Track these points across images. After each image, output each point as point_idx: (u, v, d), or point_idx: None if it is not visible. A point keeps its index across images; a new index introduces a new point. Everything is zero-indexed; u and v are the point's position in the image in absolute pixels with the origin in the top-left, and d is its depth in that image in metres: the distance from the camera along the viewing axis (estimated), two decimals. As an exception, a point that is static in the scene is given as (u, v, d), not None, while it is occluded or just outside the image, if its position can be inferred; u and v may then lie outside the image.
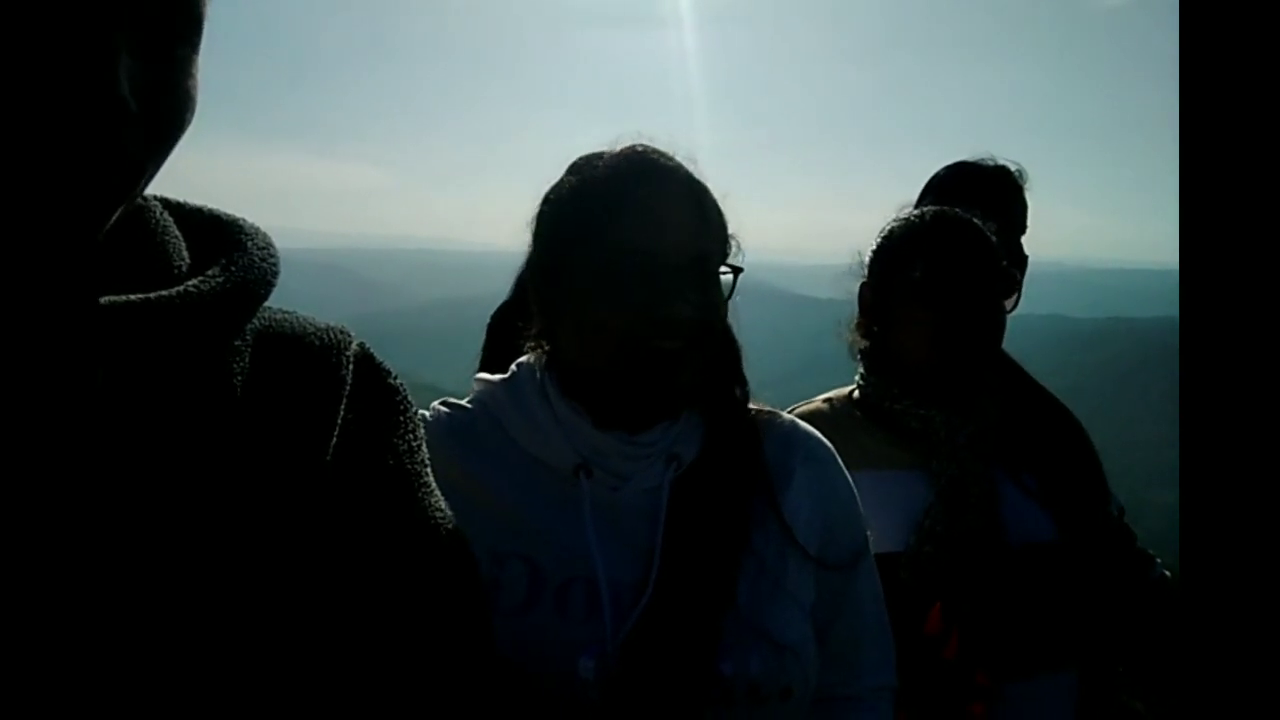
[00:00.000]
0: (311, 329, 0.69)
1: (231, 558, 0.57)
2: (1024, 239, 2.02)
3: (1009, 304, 1.54)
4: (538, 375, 1.11)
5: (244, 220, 0.68)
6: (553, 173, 1.10)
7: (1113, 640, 1.58)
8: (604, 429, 1.06)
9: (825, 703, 1.13)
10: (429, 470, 0.73)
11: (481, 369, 1.20)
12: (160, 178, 0.58)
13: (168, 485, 0.56)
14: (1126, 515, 1.71)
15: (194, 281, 0.58)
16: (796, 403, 1.60)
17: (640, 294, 0.99)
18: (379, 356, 0.73)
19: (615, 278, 1.00)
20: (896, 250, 1.52)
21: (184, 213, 0.67)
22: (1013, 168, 2.03)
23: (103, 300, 0.53)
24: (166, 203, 0.66)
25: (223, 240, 0.65)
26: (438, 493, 0.74)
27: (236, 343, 0.63)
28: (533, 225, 1.10)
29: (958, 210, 1.52)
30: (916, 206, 1.69)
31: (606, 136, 1.09)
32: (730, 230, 1.09)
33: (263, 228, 0.68)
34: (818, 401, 1.61)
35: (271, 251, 0.65)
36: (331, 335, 0.69)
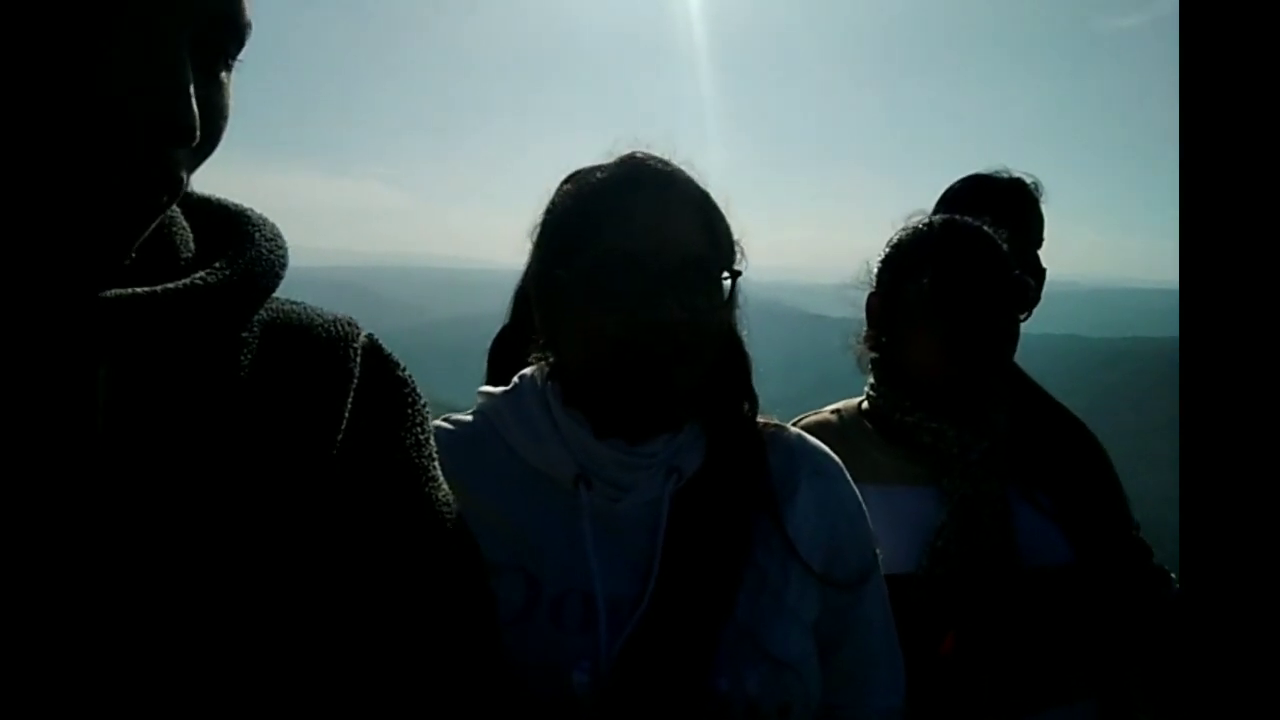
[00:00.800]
0: (319, 320, 0.68)
1: (237, 549, 0.57)
2: (1041, 254, 1.99)
3: (1024, 313, 1.50)
4: (539, 385, 1.11)
5: (252, 211, 0.66)
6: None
7: (1131, 665, 1.53)
8: (603, 438, 1.05)
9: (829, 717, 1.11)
10: (436, 463, 0.73)
11: None
12: None
13: (175, 478, 0.56)
14: (1143, 533, 1.67)
15: (200, 273, 0.57)
16: (801, 415, 1.58)
17: (628, 297, 0.99)
18: (387, 348, 0.72)
19: (605, 282, 1.00)
20: (905, 259, 1.49)
21: (191, 203, 0.65)
22: (1028, 180, 2.01)
23: (109, 293, 0.51)
24: None
25: (230, 231, 0.64)
26: (445, 485, 0.73)
27: (244, 334, 0.62)
28: (534, 236, 1.11)
29: (967, 218, 1.50)
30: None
31: (616, 152, 1.09)
32: (735, 236, 1.08)
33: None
34: (826, 413, 1.58)
35: (280, 243, 0.64)
36: (339, 327, 0.69)
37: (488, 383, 1.21)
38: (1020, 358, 1.61)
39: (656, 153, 1.08)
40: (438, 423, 1.13)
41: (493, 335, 1.28)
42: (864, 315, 1.55)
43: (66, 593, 0.51)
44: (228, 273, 0.59)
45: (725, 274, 1.05)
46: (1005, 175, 2.02)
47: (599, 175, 1.07)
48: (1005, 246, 1.47)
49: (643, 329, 0.98)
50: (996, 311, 1.42)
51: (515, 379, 1.14)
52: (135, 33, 0.48)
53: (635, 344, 0.99)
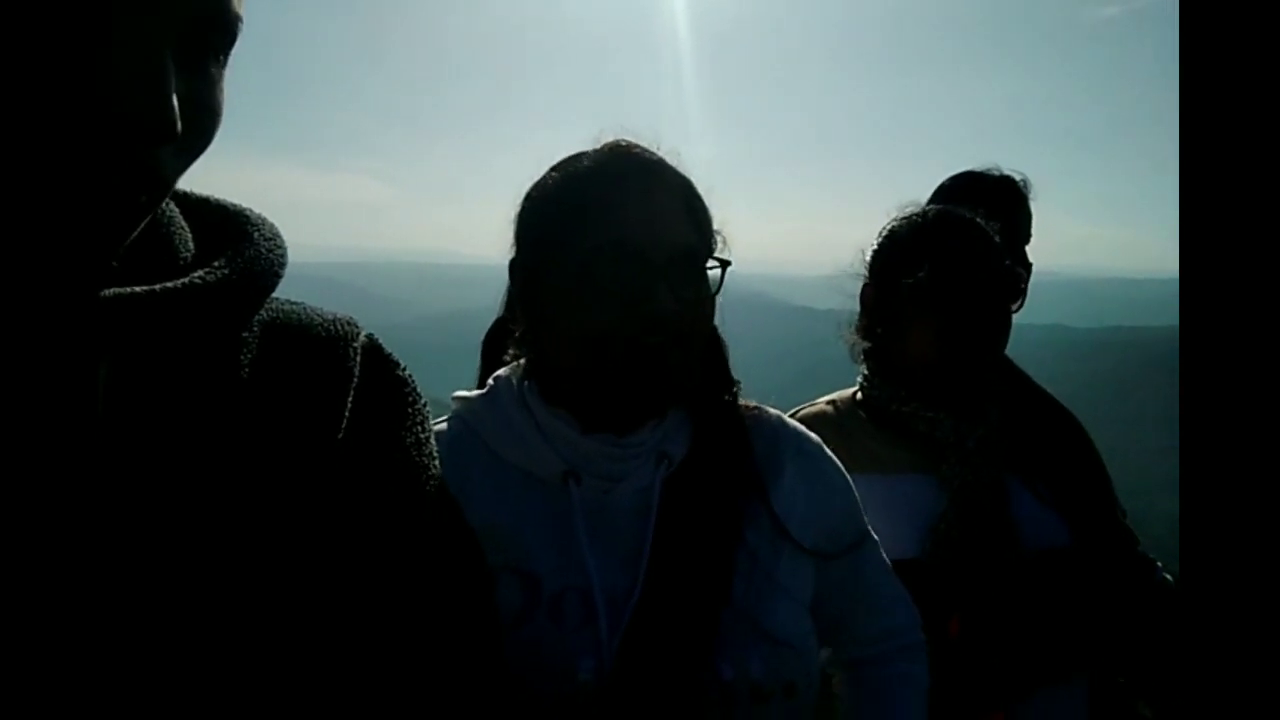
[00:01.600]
0: (318, 320, 0.68)
1: (237, 547, 0.57)
2: (1028, 248, 2.04)
3: (1014, 306, 1.52)
4: (515, 385, 1.10)
5: (250, 210, 0.67)
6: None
7: (1122, 646, 1.58)
8: (590, 433, 1.05)
9: (856, 668, 1.16)
10: (437, 462, 0.73)
11: (480, 387, 1.19)
12: None
13: (175, 476, 0.56)
14: (1130, 521, 1.72)
15: (200, 273, 0.58)
16: (797, 407, 1.59)
17: (623, 289, 0.98)
18: (387, 348, 0.72)
19: (597, 274, 0.99)
20: (901, 250, 1.50)
21: (190, 202, 0.66)
22: (1018, 178, 2.06)
23: (108, 293, 0.52)
24: (173, 192, 0.65)
25: (229, 230, 0.64)
26: (445, 485, 0.73)
27: (244, 334, 0.62)
28: (515, 225, 1.09)
29: (962, 210, 1.51)
30: None
31: (602, 140, 1.08)
32: (716, 225, 1.08)
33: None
34: (821, 404, 1.59)
35: (279, 242, 0.65)
36: (338, 326, 0.69)
37: (481, 376, 1.20)
38: (1007, 347, 1.64)
39: (642, 142, 1.07)
40: None
41: (481, 331, 1.28)
42: (854, 305, 1.56)
43: (67, 589, 0.51)
44: (227, 272, 0.59)
45: (712, 263, 1.05)
46: (996, 173, 2.07)
47: (584, 164, 1.05)
48: (997, 239, 1.48)
49: (639, 321, 0.98)
50: (992, 303, 1.44)
51: (490, 381, 1.13)
52: (115, 30, 0.48)
53: (632, 337, 0.98)
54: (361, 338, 0.70)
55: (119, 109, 0.48)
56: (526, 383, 1.09)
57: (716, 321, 1.10)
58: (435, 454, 0.73)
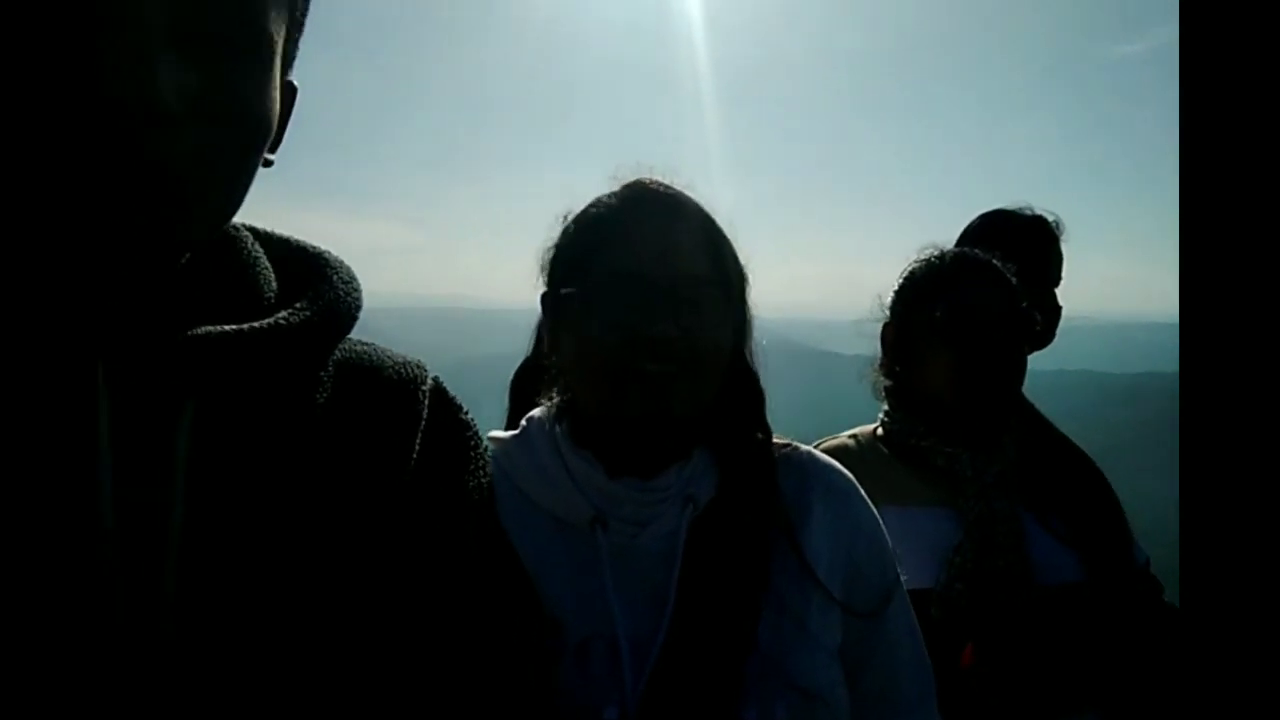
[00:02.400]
0: (390, 362, 0.70)
1: (312, 578, 0.59)
2: (1058, 291, 1.99)
3: (1033, 348, 1.57)
4: (548, 428, 1.10)
5: (329, 252, 0.69)
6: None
7: (1135, 685, 1.57)
8: (616, 477, 1.05)
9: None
10: (495, 504, 0.74)
11: (507, 429, 1.19)
12: None
13: (254, 508, 0.58)
14: (1163, 569, 1.70)
15: (284, 313, 0.60)
16: (820, 439, 1.61)
17: (621, 314, 0.98)
18: (451, 392, 0.74)
19: (604, 300, 1.00)
20: (918, 290, 1.56)
21: (272, 242, 0.68)
22: (1050, 218, 2.02)
23: (198, 331, 0.54)
24: (255, 232, 0.68)
25: (309, 271, 0.66)
26: (503, 529, 0.75)
27: (320, 373, 0.64)
28: (542, 259, 1.12)
29: (978, 251, 1.57)
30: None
31: (620, 177, 1.10)
32: (743, 260, 1.09)
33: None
34: (843, 437, 1.64)
35: (355, 285, 0.67)
36: (409, 369, 0.71)
37: (509, 417, 1.21)
38: (1036, 394, 1.66)
39: (662, 178, 1.09)
40: None
41: (494, 377, 1.29)
42: (877, 349, 1.62)
43: (152, 617, 0.53)
44: (308, 313, 0.61)
45: (731, 297, 1.05)
46: (1028, 212, 2.03)
47: (607, 199, 1.08)
48: (1014, 280, 1.53)
49: (640, 346, 0.98)
50: (1006, 341, 1.48)
51: (524, 422, 1.14)
52: (99, 13, 0.49)
53: (633, 361, 0.98)
54: (429, 381, 0.72)
55: (107, 92, 0.48)
56: (558, 426, 1.10)
57: (757, 366, 1.11)
58: (494, 498, 0.74)
